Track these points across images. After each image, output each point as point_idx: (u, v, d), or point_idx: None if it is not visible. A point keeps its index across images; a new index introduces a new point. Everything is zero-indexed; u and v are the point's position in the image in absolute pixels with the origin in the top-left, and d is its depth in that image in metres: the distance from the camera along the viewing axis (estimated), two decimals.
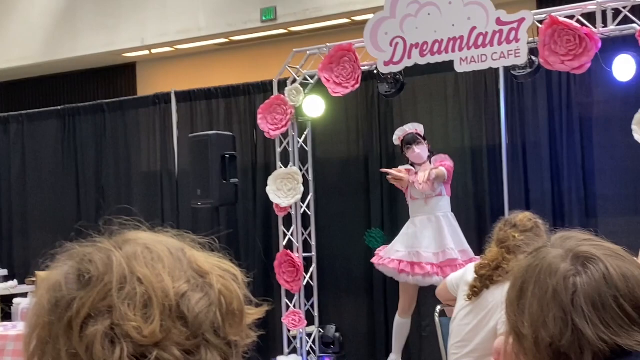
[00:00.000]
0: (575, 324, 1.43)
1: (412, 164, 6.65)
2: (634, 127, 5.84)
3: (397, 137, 6.72)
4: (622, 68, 6.08)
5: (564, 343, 1.44)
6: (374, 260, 6.79)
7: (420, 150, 6.56)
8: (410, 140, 6.59)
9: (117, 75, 11.31)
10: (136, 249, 1.01)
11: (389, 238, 7.90)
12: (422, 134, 6.65)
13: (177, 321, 0.97)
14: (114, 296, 0.96)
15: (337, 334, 7.78)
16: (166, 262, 1.01)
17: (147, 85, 10.81)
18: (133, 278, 0.98)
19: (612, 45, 6.18)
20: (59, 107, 10.08)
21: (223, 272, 1.05)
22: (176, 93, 9.16)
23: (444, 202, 6.56)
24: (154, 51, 10.58)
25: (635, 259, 1.55)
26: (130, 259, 1.00)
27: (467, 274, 4.52)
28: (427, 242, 6.44)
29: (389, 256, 6.58)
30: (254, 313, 1.07)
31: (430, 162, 6.58)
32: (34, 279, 8.99)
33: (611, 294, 1.45)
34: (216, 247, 1.09)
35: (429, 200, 6.50)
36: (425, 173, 6.33)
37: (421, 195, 6.51)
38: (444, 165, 6.46)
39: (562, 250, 1.52)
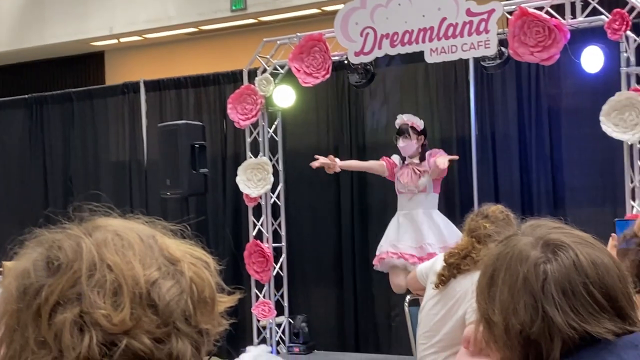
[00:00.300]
0: (546, 311, 1.44)
1: (403, 157, 6.60)
2: (602, 118, 5.88)
3: (397, 124, 6.67)
4: (591, 60, 6.12)
5: (534, 330, 1.44)
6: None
7: (404, 144, 6.50)
8: (398, 131, 6.57)
9: (85, 64, 11.21)
10: (106, 236, 1.00)
11: (359, 229, 7.94)
12: (419, 128, 6.53)
13: (147, 309, 0.96)
14: (84, 283, 0.95)
15: (304, 324, 7.77)
16: (137, 249, 1.00)
17: (116, 74, 10.72)
18: (103, 265, 0.96)
19: (581, 37, 6.22)
20: (26, 96, 9.97)
21: (195, 259, 1.04)
22: (145, 82, 9.09)
23: (429, 199, 6.46)
24: (122, 40, 10.49)
25: (604, 246, 1.56)
26: (100, 246, 0.98)
27: (437, 263, 4.52)
28: (406, 237, 6.41)
29: (376, 255, 6.57)
30: (225, 301, 1.06)
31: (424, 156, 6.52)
32: (1, 268, 8.89)
33: (581, 281, 1.46)
34: (188, 235, 1.08)
35: (413, 195, 6.45)
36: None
37: (404, 189, 6.49)
38: None
39: (533, 237, 1.53)
